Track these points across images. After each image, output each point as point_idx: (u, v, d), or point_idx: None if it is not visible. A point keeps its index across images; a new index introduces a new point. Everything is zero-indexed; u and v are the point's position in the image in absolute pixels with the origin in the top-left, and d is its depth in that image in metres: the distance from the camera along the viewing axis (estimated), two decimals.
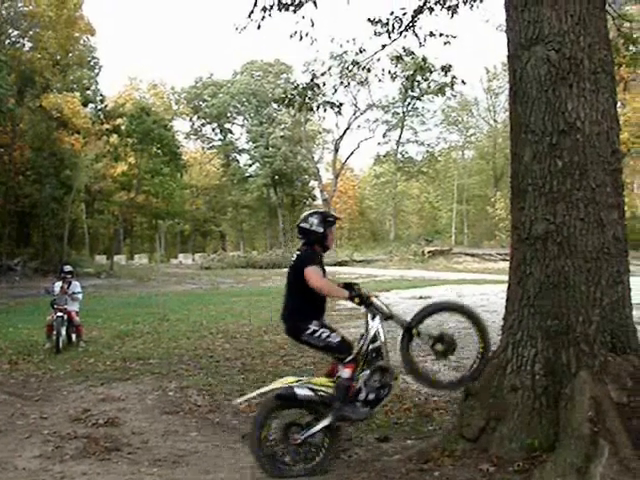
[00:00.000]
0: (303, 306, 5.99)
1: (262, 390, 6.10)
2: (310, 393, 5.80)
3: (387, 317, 5.98)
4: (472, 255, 53.98)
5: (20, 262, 41.78)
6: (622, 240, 5.36)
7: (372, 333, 5.96)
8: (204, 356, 11.78)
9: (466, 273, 38.50)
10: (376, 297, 6.17)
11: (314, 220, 6.18)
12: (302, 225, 6.21)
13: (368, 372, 5.92)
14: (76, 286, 13.80)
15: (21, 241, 45.75)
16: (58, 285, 13.49)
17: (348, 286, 6.19)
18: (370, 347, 5.95)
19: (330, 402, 5.80)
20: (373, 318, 5.99)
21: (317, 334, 5.89)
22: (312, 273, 5.86)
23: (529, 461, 4.99)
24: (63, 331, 12.85)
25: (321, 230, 6.13)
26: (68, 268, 14.09)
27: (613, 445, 4.65)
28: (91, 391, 9.26)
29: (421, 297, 20.80)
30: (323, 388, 5.85)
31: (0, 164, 41.18)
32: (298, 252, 6.19)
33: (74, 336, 13.38)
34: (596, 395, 4.89)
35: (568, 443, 4.83)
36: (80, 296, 13.89)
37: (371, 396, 5.88)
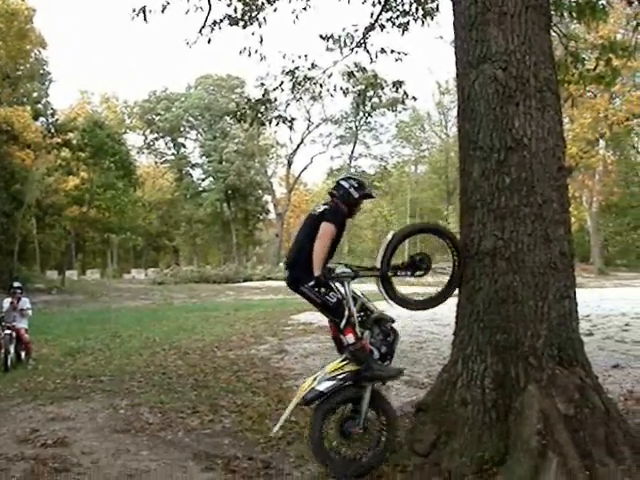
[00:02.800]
0: (310, 258, 5.88)
1: (292, 406, 6.08)
2: (332, 382, 5.78)
3: (354, 277, 6.01)
4: None
5: None
6: (568, 255, 5.47)
7: (349, 296, 5.94)
8: (156, 373, 11.64)
9: (419, 287, 38.68)
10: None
11: (355, 184, 6.22)
12: (342, 183, 6.25)
13: (368, 332, 6.01)
14: (25, 302, 13.58)
15: None
16: (7, 301, 13.25)
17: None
18: (356, 310, 5.97)
19: (357, 377, 5.80)
20: (342, 285, 5.98)
21: (316, 289, 5.85)
22: (326, 231, 5.86)
23: (480, 475, 5.03)
24: (11, 349, 12.60)
25: (356, 196, 6.18)
26: (17, 284, 13.87)
27: (561, 457, 4.73)
28: (40, 410, 9.07)
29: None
30: (340, 371, 5.83)
31: None
32: (325, 205, 6.14)
33: (23, 354, 13.13)
34: (544, 408, 4.97)
35: (518, 456, 4.90)
36: (30, 312, 13.67)
37: (383, 349, 5.97)
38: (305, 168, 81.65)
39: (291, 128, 13.40)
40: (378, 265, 6.11)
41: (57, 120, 50.62)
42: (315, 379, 5.87)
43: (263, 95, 11.88)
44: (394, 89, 12.69)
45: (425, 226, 6.78)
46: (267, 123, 12.64)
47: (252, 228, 79.86)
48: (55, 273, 55.78)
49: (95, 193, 48.99)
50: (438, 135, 76.68)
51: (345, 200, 6.17)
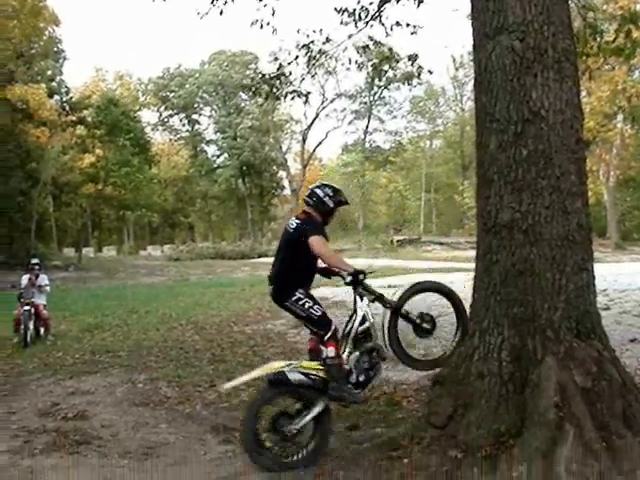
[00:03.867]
0: (293, 273, 5.99)
1: (251, 376, 6.00)
2: (303, 377, 5.74)
3: (375, 298, 6.05)
4: (441, 244, 54.36)
5: None
6: (586, 228, 5.42)
7: (361, 314, 6.02)
8: (174, 348, 11.73)
9: (435, 261, 38.73)
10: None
11: (330, 192, 6.25)
12: (317, 191, 6.25)
13: (358, 353, 5.99)
14: (44, 279, 13.69)
15: None
16: (26, 278, 13.36)
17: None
18: (360, 328, 6.01)
19: (323, 386, 5.75)
20: (362, 299, 6.05)
21: (301, 302, 5.90)
22: (319, 241, 5.89)
23: (496, 447, 5.02)
24: (31, 325, 12.73)
25: (331, 205, 6.22)
26: (35, 260, 13.98)
27: (578, 429, 4.72)
28: (60, 384, 9.19)
29: (390, 286, 20.82)
30: (314, 372, 5.80)
31: None
32: (298, 220, 6.17)
33: (42, 330, 13.27)
34: (561, 380, 4.95)
35: (534, 428, 4.89)
36: (48, 288, 13.79)
37: (361, 377, 5.94)
38: (320, 143, 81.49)
39: (306, 102, 13.36)
40: (395, 299, 6.18)
41: (71, 98, 50.75)
42: (288, 365, 5.81)
43: (278, 69, 11.81)
44: (409, 63, 12.58)
45: (439, 287, 6.75)
46: (282, 98, 12.56)
47: (267, 204, 79.91)
48: (72, 250, 56.18)
49: (110, 170, 49.17)
50: (453, 109, 76.32)
51: (319, 209, 6.22)
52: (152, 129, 76.61)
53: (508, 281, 5.39)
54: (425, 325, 6.30)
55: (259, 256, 52.52)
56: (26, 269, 13.92)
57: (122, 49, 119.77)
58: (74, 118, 47.06)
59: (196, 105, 79.38)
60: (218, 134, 78.08)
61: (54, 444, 6.37)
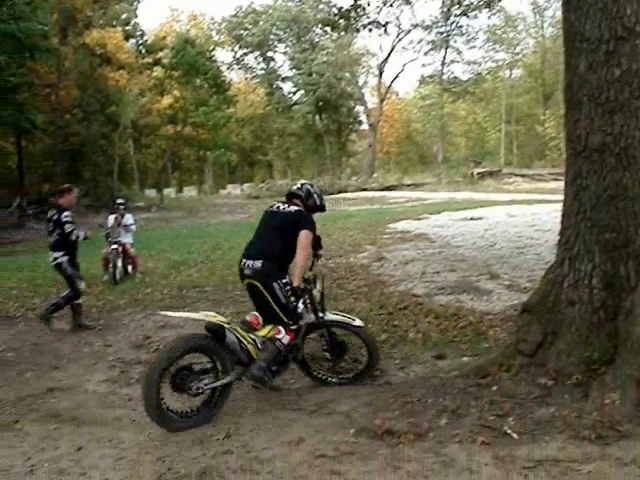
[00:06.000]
0: (285, 255, 5.92)
1: (190, 315, 6.00)
2: (236, 342, 5.62)
3: (314, 309, 6.23)
4: (522, 176, 53.09)
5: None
6: None
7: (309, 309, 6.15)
8: None
9: (516, 194, 37.96)
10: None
11: (318, 192, 6.45)
12: (309, 187, 6.39)
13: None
14: (129, 218, 13.99)
15: (73, 179, 46.34)
16: (112, 218, 13.66)
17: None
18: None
19: (246, 360, 5.65)
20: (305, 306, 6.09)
21: (287, 288, 5.82)
22: (309, 240, 5.94)
23: (587, 374, 4.99)
24: (119, 263, 13.08)
25: (318, 203, 6.38)
26: (120, 200, 14.28)
27: None
28: (150, 319, 9.48)
29: (472, 218, 20.67)
30: (245, 343, 5.68)
31: (47, 104, 41.56)
32: (297, 208, 6.16)
33: (130, 267, 13.63)
34: None
35: (627, 356, 4.81)
36: (134, 227, 14.10)
37: (274, 368, 5.87)
38: (396, 77, 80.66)
39: (385, 32, 13.16)
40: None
41: (147, 40, 51.21)
42: (228, 323, 5.68)
43: (355, 1, 11.62)
44: None
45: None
46: (360, 29, 12.39)
47: (345, 139, 79.57)
48: (153, 191, 57.38)
49: (188, 111, 49.63)
50: (533, 37, 73.62)
51: (311, 207, 6.29)
52: (227, 68, 76.83)
53: (599, 206, 5.24)
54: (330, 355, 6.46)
55: (338, 192, 52.47)
56: (112, 210, 14.24)
57: None
58: (150, 60, 47.55)
59: (270, 42, 78.94)
60: (293, 71, 77.69)
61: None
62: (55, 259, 9.35)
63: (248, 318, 5.91)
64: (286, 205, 6.21)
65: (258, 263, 5.86)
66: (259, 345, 5.75)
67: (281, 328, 5.75)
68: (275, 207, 6.28)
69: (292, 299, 5.85)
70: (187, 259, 15.85)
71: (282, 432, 4.93)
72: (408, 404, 5.18)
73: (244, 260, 5.99)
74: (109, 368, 7.10)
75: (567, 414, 4.67)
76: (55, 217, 9.40)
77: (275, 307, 5.81)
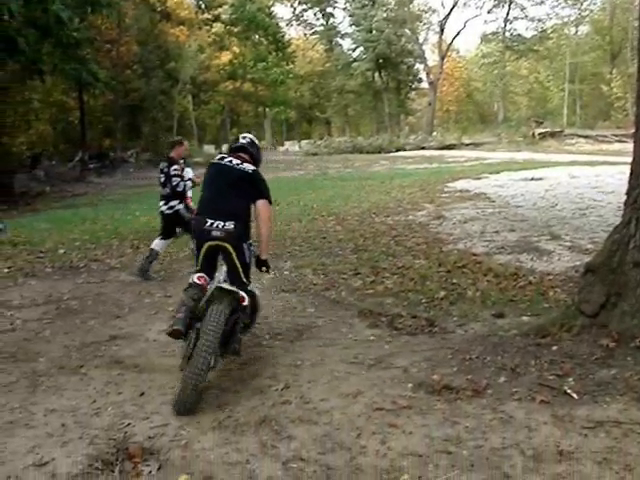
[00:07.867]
0: (247, 216, 5.55)
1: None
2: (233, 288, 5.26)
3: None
4: (585, 137, 51.86)
5: (133, 154, 43.30)
6: None
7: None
8: (316, 237, 11.93)
9: (579, 155, 37.15)
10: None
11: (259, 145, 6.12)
12: (256, 142, 6.05)
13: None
14: (189, 172, 14.08)
15: (133, 134, 47.08)
16: (189, 170, 13.76)
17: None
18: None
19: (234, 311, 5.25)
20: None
21: (252, 248, 5.56)
22: (271, 211, 5.63)
23: None
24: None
25: (259, 160, 5.99)
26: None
27: None
28: None
29: (532, 179, 20.36)
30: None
31: (108, 60, 41.97)
32: (252, 167, 5.68)
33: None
34: None
35: None
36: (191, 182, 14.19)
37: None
38: (458, 34, 79.13)
39: None
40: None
41: None
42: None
43: None
44: None
45: None
46: None
47: (404, 97, 78.48)
48: (212, 147, 57.66)
49: (247, 67, 49.63)
50: None
51: (256, 162, 5.88)
52: (287, 25, 76.21)
53: None
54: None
55: (397, 150, 52.10)
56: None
57: None
58: (210, 16, 47.53)
59: None
60: (353, 27, 76.58)
61: None
62: (171, 207, 9.84)
63: (199, 282, 5.35)
64: (239, 161, 5.68)
65: (230, 225, 5.32)
66: None
67: (244, 295, 5.27)
68: (227, 161, 5.71)
69: (251, 260, 5.58)
70: None
71: (340, 385, 4.95)
72: (466, 361, 5.16)
73: (209, 220, 5.34)
74: (169, 318, 7.20)
75: (629, 376, 4.58)
76: (165, 170, 9.91)
77: (239, 267, 5.44)
